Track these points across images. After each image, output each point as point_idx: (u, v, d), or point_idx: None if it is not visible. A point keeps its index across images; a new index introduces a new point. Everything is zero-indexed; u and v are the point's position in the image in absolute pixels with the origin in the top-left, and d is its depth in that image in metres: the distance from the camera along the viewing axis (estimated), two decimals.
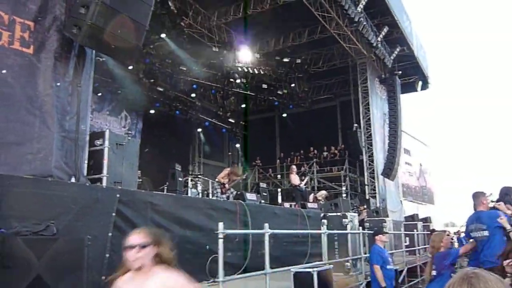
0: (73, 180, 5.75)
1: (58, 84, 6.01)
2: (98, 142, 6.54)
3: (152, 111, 18.45)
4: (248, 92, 20.75)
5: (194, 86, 18.81)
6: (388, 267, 6.70)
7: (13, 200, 4.40)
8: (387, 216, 13.78)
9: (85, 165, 6.25)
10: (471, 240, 5.89)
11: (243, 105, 21.96)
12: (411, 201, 23.42)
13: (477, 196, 5.57)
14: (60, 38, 6.10)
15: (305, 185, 15.05)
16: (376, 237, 6.98)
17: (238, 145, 23.42)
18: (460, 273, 1.17)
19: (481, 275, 1.13)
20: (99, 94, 15.84)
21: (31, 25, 5.87)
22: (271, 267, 5.67)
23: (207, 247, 6.67)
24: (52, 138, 5.73)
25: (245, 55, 17.37)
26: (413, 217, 16.78)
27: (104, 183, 6.17)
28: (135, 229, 2.86)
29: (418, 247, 13.38)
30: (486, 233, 5.23)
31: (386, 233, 7.36)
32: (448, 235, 6.54)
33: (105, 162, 6.34)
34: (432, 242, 6.00)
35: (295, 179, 13.87)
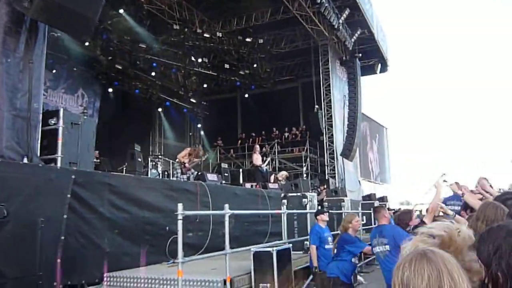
0: (25, 160, 5.53)
1: (8, 60, 5.71)
2: (52, 121, 6.29)
3: (110, 90, 17.92)
4: (210, 72, 20.49)
5: (154, 64, 18.35)
6: (326, 246, 6.61)
7: None
8: (346, 195, 14.11)
9: (38, 145, 6.02)
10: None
11: (205, 85, 21.70)
12: (369, 181, 24.11)
13: (378, 211, 5.50)
14: (10, 11, 5.77)
15: (266, 166, 15.17)
16: (318, 216, 6.93)
17: (199, 125, 23.21)
18: (416, 250, 1.20)
19: (436, 251, 1.16)
20: (54, 71, 15.18)
21: None
22: (232, 247, 5.71)
23: (167, 228, 6.64)
24: (2, 117, 5.47)
25: (206, 34, 17.09)
26: (370, 197, 17.30)
27: (59, 164, 5.97)
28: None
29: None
30: (387, 247, 4.94)
31: (327, 212, 7.34)
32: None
33: (60, 142, 6.11)
34: (343, 220, 6.12)
35: (257, 159, 13.93)
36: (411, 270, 1.12)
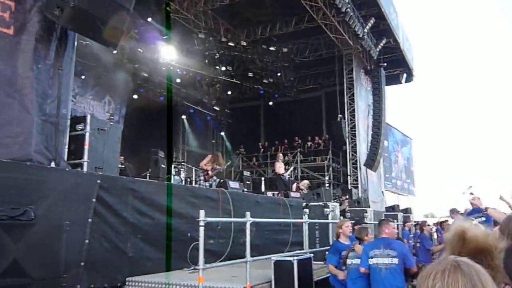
0: (53, 164, 5.66)
1: (39, 67, 5.88)
2: (79, 127, 6.44)
3: (136, 97, 18.23)
4: (234, 80, 20.62)
5: (179, 72, 18.62)
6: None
7: None
8: (369, 206, 13.93)
9: (66, 150, 6.16)
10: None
11: (228, 93, 21.85)
12: (392, 192, 23.73)
13: (382, 224, 5.49)
14: (42, 19, 5.95)
15: (289, 174, 15.11)
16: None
17: (222, 133, 23.34)
18: (447, 260, 1.16)
19: (469, 263, 1.13)
20: (82, 78, 15.57)
21: (12, 5, 5.71)
22: (253, 255, 5.69)
23: (189, 234, 6.67)
24: (31, 122, 5.62)
25: (231, 42, 17.25)
26: (393, 208, 17.01)
27: (85, 169, 6.09)
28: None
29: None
30: (396, 261, 4.94)
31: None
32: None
33: (86, 147, 6.24)
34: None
35: (280, 167, 13.90)
36: (444, 282, 1.09)
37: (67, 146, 6.19)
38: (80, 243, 5.01)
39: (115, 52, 15.06)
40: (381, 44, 17.73)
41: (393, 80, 21.43)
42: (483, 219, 6.18)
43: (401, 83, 21.77)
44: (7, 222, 3.95)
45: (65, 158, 6.07)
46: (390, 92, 21.87)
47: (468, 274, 1.08)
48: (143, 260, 6.14)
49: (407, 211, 17.37)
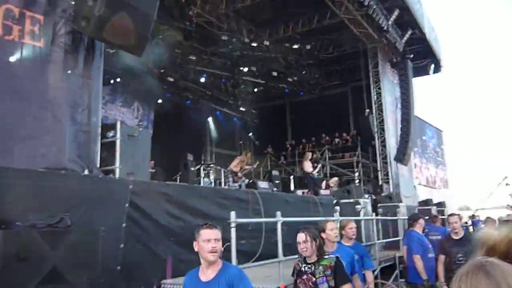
0: (86, 172, 5.81)
1: (69, 77, 6.06)
2: (110, 134, 6.60)
3: (163, 101, 18.51)
4: (258, 80, 20.65)
5: (204, 75, 18.79)
6: (429, 255, 6.30)
7: (28, 193, 4.47)
8: (401, 201, 13.70)
9: (98, 157, 6.32)
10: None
11: (253, 93, 21.90)
12: (425, 185, 23.26)
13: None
14: (69, 31, 6.13)
15: (317, 172, 15.03)
16: (415, 222, 6.70)
17: (250, 134, 23.40)
18: (473, 262, 1.14)
19: (495, 263, 1.10)
20: (111, 86, 15.94)
21: (41, 18, 5.90)
22: (285, 255, 5.68)
23: None
24: (64, 131, 5.79)
25: (254, 43, 17.27)
26: (426, 202, 16.67)
27: (117, 175, 6.23)
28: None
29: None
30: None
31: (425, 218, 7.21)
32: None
33: (118, 153, 6.39)
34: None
35: (308, 165, 13.83)
36: (467, 284, 1.07)
37: (99, 153, 6.36)
38: (115, 247, 5.13)
39: (140, 59, 15.37)
40: (407, 36, 17.37)
41: (421, 71, 20.96)
42: None
43: (428, 74, 21.30)
44: (45, 230, 4.08)
45: (98, 165, 6.23)
46: (419, 84, 21.43)
47: (492, 275, 1.05)
48: (177, 262, 6.22)
49: (441, 204, 17.00)
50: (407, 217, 9.02)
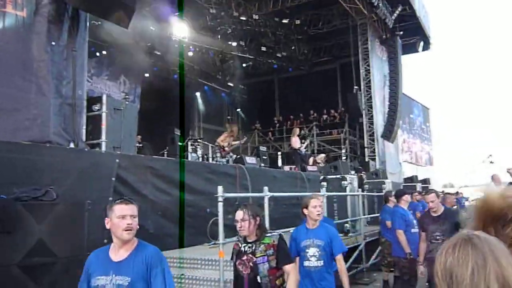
0: (71, 145, 5.75)
1: (53, 48, 5.91)
2: (95, 107, 6.50)
3: (150, 76, 18.25)
4: (247, 55, 20.44)
5: (192, 49, 18.51)
6: (412, 230, 6.36)
7: (12, 166, 4.42)
8: (386, 178, 13.87)
9: (84, 131, 6.24)
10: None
11: (242, 69, 21.71)
12: (410, 163, 23.55)
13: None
14: (53, 0, 5.95)
15: (305, 148, 15.08)
16: (400, 198, 6.78)
17: (238, 110, 23.30)
18: (460, 234, 1.14)
19: (482, 237, 1.10)
20: (96, 58, 15.63)
21: None
22: (272, 229, 5.74)
23: (208, 210, 6.75)
24: (49, 104, 5.69)
25: (243, 17, 17.01)
26: (412, 179, 16.93)
27: (103, 148, 6.17)
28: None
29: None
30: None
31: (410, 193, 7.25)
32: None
33: (104, 127, 6.32)
34: None
35: (296, 141, 13.85)
36: (454, 256, 1.07)
37: (84, 127, 6.28)
38: (102, 221, 5.09)
39: (127, 31, 15.05)
40: (397, 12, 17.25)
41: (410, 49, 20.92)
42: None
43: (418, 51, 21.28)
44: (30, 203, 4.04)
45: (84, 139, 6.16)
46: (407, 61, 21.41)
47: (479, 248, 1.06)
48: (164, 236, 6.26)
49: (425, 181, 17.28)
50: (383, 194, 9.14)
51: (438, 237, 5.30)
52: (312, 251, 4.11)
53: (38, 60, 5.72)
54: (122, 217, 2.64)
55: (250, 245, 3.39)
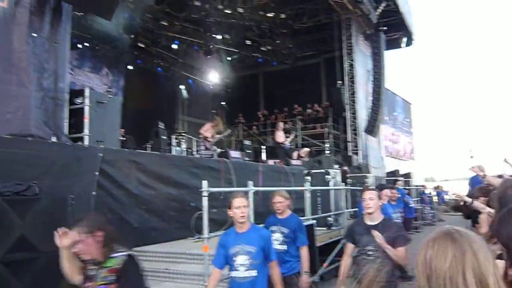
0: (54, 139, 5.67)
1: (34, 40, 5.80)
2: (78, 101, 6.42)
3: (134, 68, 18.05)
4: (231, 49, 20.36)
5: (176, 42, 18.36)
6: None
7: None
8: (369, 172, 14.04)
9: (66, 124, 6.15)
10: None
11: (227, 62, 21.61)
12: (392, 157, 23.83)
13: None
14: None
15: (289, 143, 15.13)
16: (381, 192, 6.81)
17: (223, 103, 23.22)
18: (441, 229, 1.19)
19: (461, 231, 1.15)
20: (78, 50, 15.37)
21: None
22: (256, 223, 5.76)
23: (192, 204, 6.74)
24: (30, 97, 5.59)
25: (227, 10, 16.92)
26: (394, 173, 17.16)
27: (86, 142, 6.10)
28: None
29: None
30: None
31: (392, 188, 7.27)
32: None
33: (86, 120, 6.24)
34: None
35: (280, 136, 13.87)
36: (434, 249, 1.11)
37: (67, 120, 6.19)
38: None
39: (109, 23, 14.85)
40: (381, 8, 17.39)
41: (393, 44, 21.13)
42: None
43: (401, 47, 21.50)
44: (12, 198, 3.98)
45: (66, 132, 6.07)
46: (390, 57, 21.60)
47: (458, 242, 1.10)
48: (149, 230, 6.23)
49: (407, 176, 17.54)
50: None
51: (370, 253, 3.82)
52: (240, 259, 3.46)
53: (19, 51, 5.61)
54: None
55: (95, 268, 2.64)
